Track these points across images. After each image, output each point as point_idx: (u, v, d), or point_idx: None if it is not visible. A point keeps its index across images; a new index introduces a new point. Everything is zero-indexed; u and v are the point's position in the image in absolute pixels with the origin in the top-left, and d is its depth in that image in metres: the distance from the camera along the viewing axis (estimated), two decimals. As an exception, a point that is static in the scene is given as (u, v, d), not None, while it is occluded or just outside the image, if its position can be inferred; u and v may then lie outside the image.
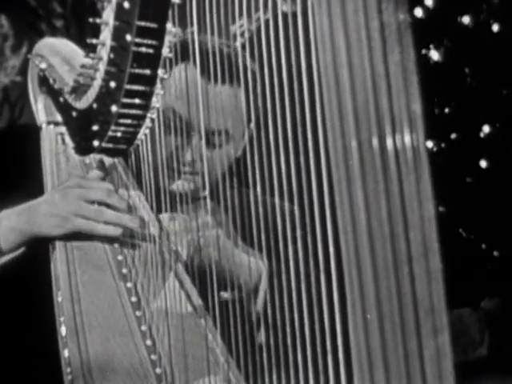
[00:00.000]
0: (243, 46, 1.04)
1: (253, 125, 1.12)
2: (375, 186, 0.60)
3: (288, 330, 0.80)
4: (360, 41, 0.63)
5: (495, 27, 3.91)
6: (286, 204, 0.81)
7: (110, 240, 1.08)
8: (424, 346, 0.58)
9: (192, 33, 0.98)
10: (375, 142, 0.61)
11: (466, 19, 3.97)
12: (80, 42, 1.10)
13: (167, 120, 1.08)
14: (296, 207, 0.78)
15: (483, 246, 3.37)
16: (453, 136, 3.74)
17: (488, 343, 3.25)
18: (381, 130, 0.61)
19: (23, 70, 1.27)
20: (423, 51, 3.91)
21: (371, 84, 0.61)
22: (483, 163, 3.65)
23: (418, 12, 3.96)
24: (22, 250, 1.07)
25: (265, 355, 0.86)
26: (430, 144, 3.79)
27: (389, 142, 0.61)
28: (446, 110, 3.84)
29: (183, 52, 1.03)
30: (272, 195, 0.84)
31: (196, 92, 1.03)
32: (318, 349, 0.71)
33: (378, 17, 0.63)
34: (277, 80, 0.81)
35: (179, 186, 1.12)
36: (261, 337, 0.98)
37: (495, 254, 3.35)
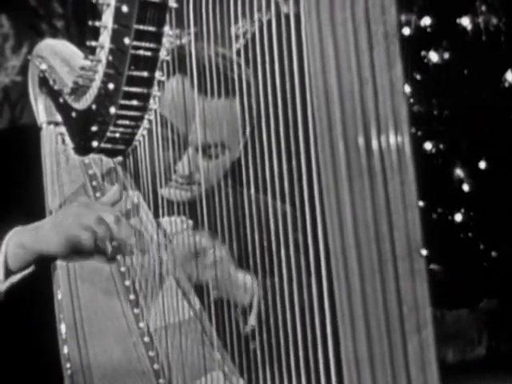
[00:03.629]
0: (241, 49, 1.06)
1: (248, 132, 1.15)
2: (361, 188, 0.62)
3: (281, 328, 0.82)
4: (347, 45, 0.65)
5: (494, 28, 3.93)
6: (279, 204, 0.84)
7: None
8: (408, 340, 0.61)
9: (189, 43, 1.00)
10: (361, 144, 0.63)
11: (464, 20, 3.99)
12: (80, 42, 1.12)
13: (164, 133, 1.10)
14: (288, 208, 0.80)
15: (481, 246, 3.39)
16: (452, 137, 3.76)
17: (486, 343, 3.27)
18: (367, 132, 0.63)
19: (23, 70, 1.30)
20: (422, 53, 3.93)
21: (358, 87, 0.64)
22: (482, 164, 3.66)
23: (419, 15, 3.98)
24: (31, 269, 1.08)
25: (259, 353, 0.88)
26: (428, 145, 3.80)
27: (374, 144, 0.63)
28: (446, 112, 3.85)
29: (180, 59, 1.05)
30: (265, 195, 0.86)
31: (191, 106, 1.06)
32: (309, 344, 0.73)
33: (365, 23, 0.65)
34: (270, 84, 0.84)
35: (176, 194, 1.14)
36: (249, 328, 1.01)
37: (493, 254, 3.37)
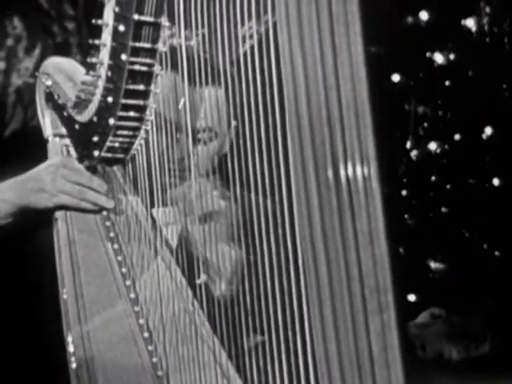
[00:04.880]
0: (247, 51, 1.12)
1: (235, 123, 1.22)
2: (327, 187, 0.70)
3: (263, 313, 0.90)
4: (314, 56, 0.72)
5: (498, 30, 3.97)
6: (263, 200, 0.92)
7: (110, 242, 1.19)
8: (370, 320, 0.68)
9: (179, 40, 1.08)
10: (328, 149, 0.70)
11: (469, 22, 4.03)
12: (91, 45, 1.19)
13: (159, 125, 1.17)
14: (270, 205, 0.88)
15: (485, 246, 3.43)
16: (456, 138, 3.80)
17: (490, 341, 3.31)
18: (332, 135, 0.71)
19: (36, 72, 1.40)
20: (427, 54, 3.97)
21: (324, 94, 0.71)
22: (486, 165, 3.71)
23: (424, 15, 4.03)
24: (10, 220, 1.21)
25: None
26: (433, 146, 3.85)
27: (340, 149, 0.70)
28: (449, 113, 3.89)
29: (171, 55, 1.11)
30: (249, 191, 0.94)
31: (180, 95, 1.13)
32: (289, 323, 0.82)
33: (331, 45, 0.72)
34: (254, 108, 0.91)
35: (171, 182, 1.20)
36: (251, 342, 1.08)
37: (496, 253, 3.41)
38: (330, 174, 0.70)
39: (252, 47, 0.93)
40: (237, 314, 0.99)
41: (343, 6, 0.73)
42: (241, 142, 0.95)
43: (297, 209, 0.71)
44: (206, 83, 1.11)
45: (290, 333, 0.82)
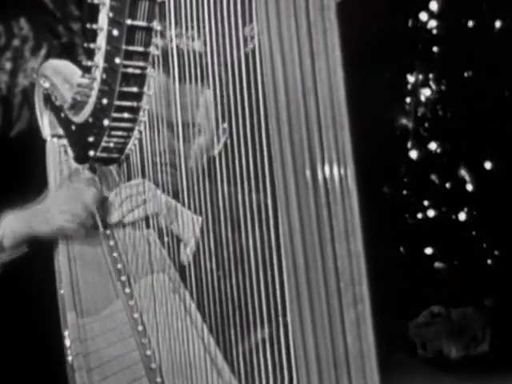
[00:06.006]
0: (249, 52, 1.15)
1: (225, 126, 1.25)
2: (305, 183, 0.73)
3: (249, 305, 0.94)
4: (293, 61, 0.76)
5: (497, 28, 3.98)
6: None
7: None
8: (345, 312, 0.71)
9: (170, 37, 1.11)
10: (305, 144, 0.74)
11: (469, 22, 4.04)
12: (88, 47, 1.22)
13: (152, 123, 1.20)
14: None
15: (484, 245, 3.46)
16: (456, 137, 3.82)
17: (490, 340, 3.33)
18: (309, 132, 0.74)
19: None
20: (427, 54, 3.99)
21: (301, 94, 0.75)
22: (487, 164, 3.73)
23: (423, 16, 4.05)
24: (23, 249, 1.24)
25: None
26: (433, 145, 3.87)
27: (317, 151, 0.74)
28: (449, 112, 3.91)
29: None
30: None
31: (166, 91, 1.15)
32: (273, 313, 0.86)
33: (309, 50, 0.76)
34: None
35: (158, 178, 1.23)
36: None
37: (496, 252, 3.43)
38: (308, 174, 0.73)
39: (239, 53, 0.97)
40: (225, 307, 1.03)
41: (321, 13, 0.76)
42: (228, 141, 0.99)
43: (278, 207, 0.74)
44: (196, 81, 1.13)
45: (273, 325, 0.86)
